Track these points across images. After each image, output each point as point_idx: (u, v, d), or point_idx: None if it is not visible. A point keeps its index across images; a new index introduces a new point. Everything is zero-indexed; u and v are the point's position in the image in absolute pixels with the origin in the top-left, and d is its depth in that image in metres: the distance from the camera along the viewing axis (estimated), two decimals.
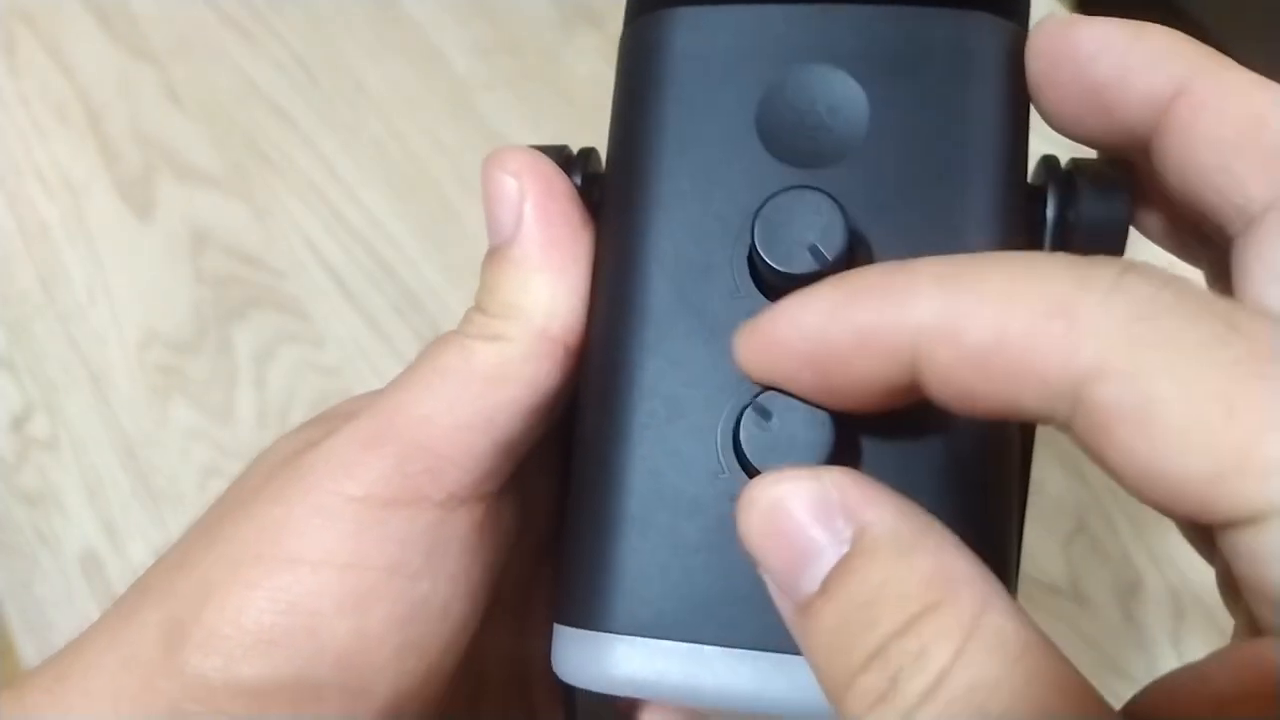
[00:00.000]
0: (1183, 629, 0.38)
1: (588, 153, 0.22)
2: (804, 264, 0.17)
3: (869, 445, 0.18)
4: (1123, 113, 0.18)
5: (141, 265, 0.48)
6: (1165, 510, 0.14)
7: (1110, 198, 0.19)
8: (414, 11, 0.51)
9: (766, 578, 0.16)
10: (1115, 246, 0.19)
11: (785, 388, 0.17)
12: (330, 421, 0.21)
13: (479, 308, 0.20)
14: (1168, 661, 0.38)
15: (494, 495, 0.20)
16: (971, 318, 0.14)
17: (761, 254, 0.17)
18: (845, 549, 0.15)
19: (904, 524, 0.15)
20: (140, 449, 0.45)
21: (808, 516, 0.15)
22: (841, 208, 0.17)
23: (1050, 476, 0.40)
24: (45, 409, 0.46)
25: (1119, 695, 0.40)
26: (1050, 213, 0.19)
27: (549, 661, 0.20)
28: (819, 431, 0.17)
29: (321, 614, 0.18)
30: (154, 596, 0.19)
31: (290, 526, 0.19)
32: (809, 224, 0.17)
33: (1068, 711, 0.13)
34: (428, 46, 0.51)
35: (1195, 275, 0.22)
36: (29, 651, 0.43)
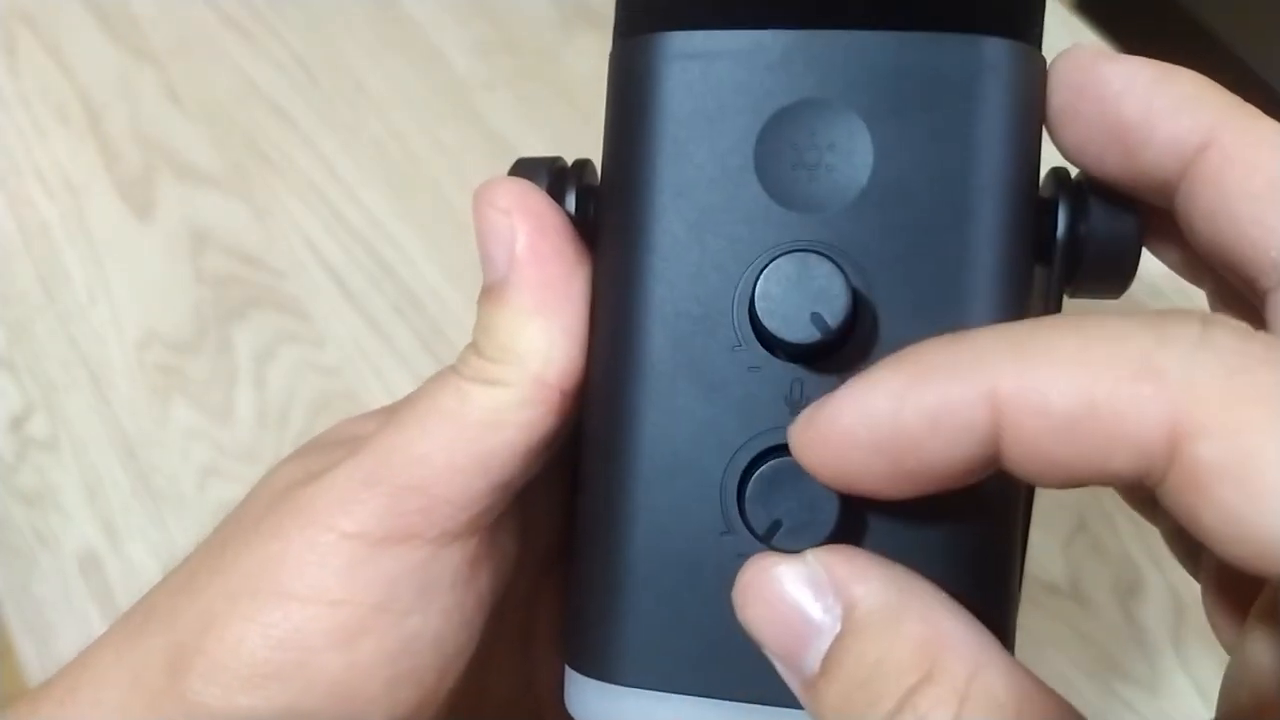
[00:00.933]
0: (1183, 629, 0.38)
1: (582, 164, 0.21)
2: (806, 333, 0.17)
3: (875, 505, 0.18)
4: (1145, 156, 0.17)
5: (141, 265, 0.48)
6: (1258, 570, 0.13)
7: (1122, 213, 0.19)
8: (414, 11, 0.51)
9: (772, 659, 0.16)
10: (1128, 262, 0.19)
11: (854, 483, 0.16)
12: (331, 451, 0.21)
13: (475, 348, 0.20)
14: (1168, 661, 0.37)
15: (489, 530, 0.21)
16: (1055, 384, 0.14)
17: (763, 322, 0.17)
18: (839, 627, 0.15)
19: (892, 593, 0.15)
20: (140, 449, 0.45)
21: (800, 599, 0.15)
22: (844, 271, 0.17)
23: None
24: (45, 409, 0.46)
25: (1119, 695, 0.41)
26: (1061, 228, 0.19)
27: (554, 675, 0.20)
28: (824, 494, 0.17)
29: (313, 649, 0.19)
30: (159, 619, 0.20)
31: (286, 562, 0.19)
32: (811, 291, 0.17)
33: None
34: (428, 46, 0.51)
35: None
36: (28, 652, 0.43)
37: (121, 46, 0.52)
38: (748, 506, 0.17)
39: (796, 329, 0.17)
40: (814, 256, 0.17)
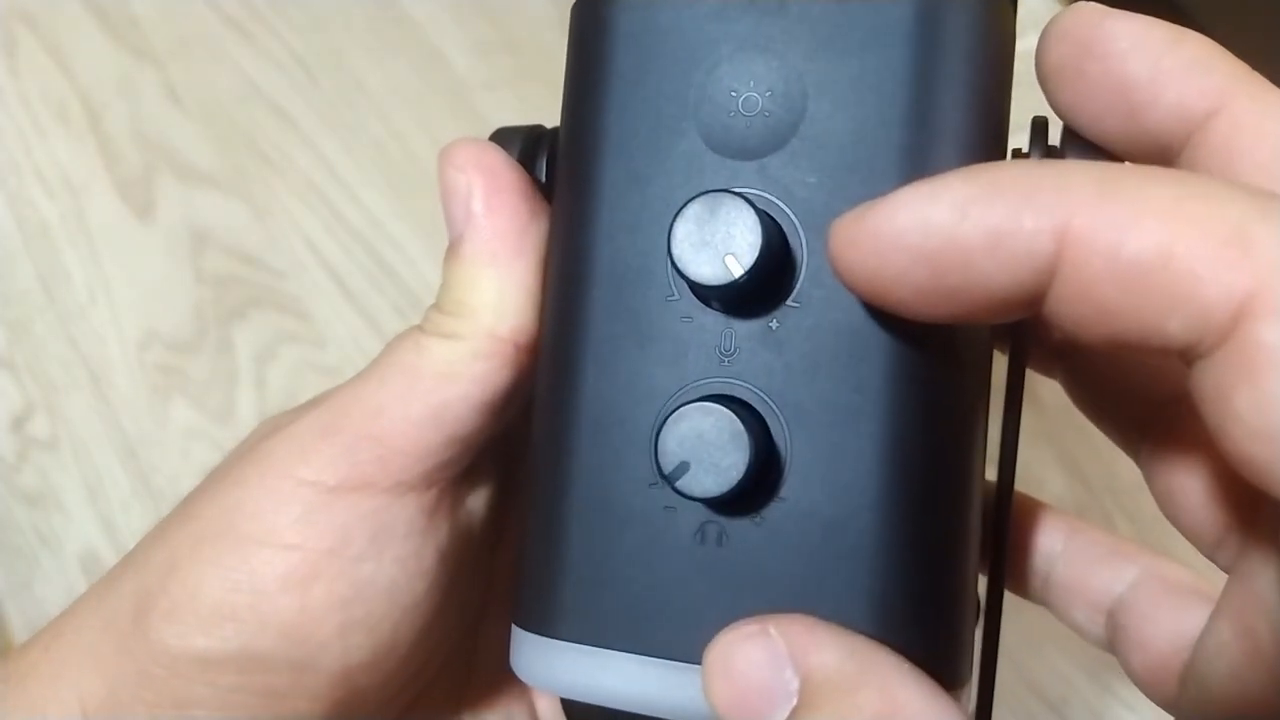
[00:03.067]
0: None
1: (557, 131, 0.21)
2: (719, 274, 0.17)
3: (797, 443, 0.17)
4: (1150, 118, 0.17)
5: (141, 265, 0.48)
6: (1264, 476, 0.13)
7: None
8: (414, 11, 0.51)
9: None
10: None
11: (885, 290, 0.15)
12: (305, 408, 0.22)
13: (436, 305, 0.21)
14: None
15: (450, 482, 0.21)
16: (1136, 229, 0.13)
17: (677, 265, 0.17)
18: (794, 701, 0.15)
19: (850, 663, 0.15)
20: (140, 449, 0.45)
21: (758, 671, 0.15)
22: (758, 210, 0.17)
23: (1050, 476, 0.40)
24: (45, 409, 0.46)
25: (1119, 695, 0.40)
26: None
27: None
28: (735, 440, 0.17)
29: (265, 591, 0.19)
30: (133, 568, 0.21)
31: (244, 508, 0.20)
32: (724, 231, 0.17)
33: None
34: (428, 46, 0.51)
35: None
36: None
37: (121, 46, 0.52)
38: (659, 446, 0.17)
39: (710, 270, 0.17)
40: (728, 197, 0.17)
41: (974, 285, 0.14)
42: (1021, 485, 0.21)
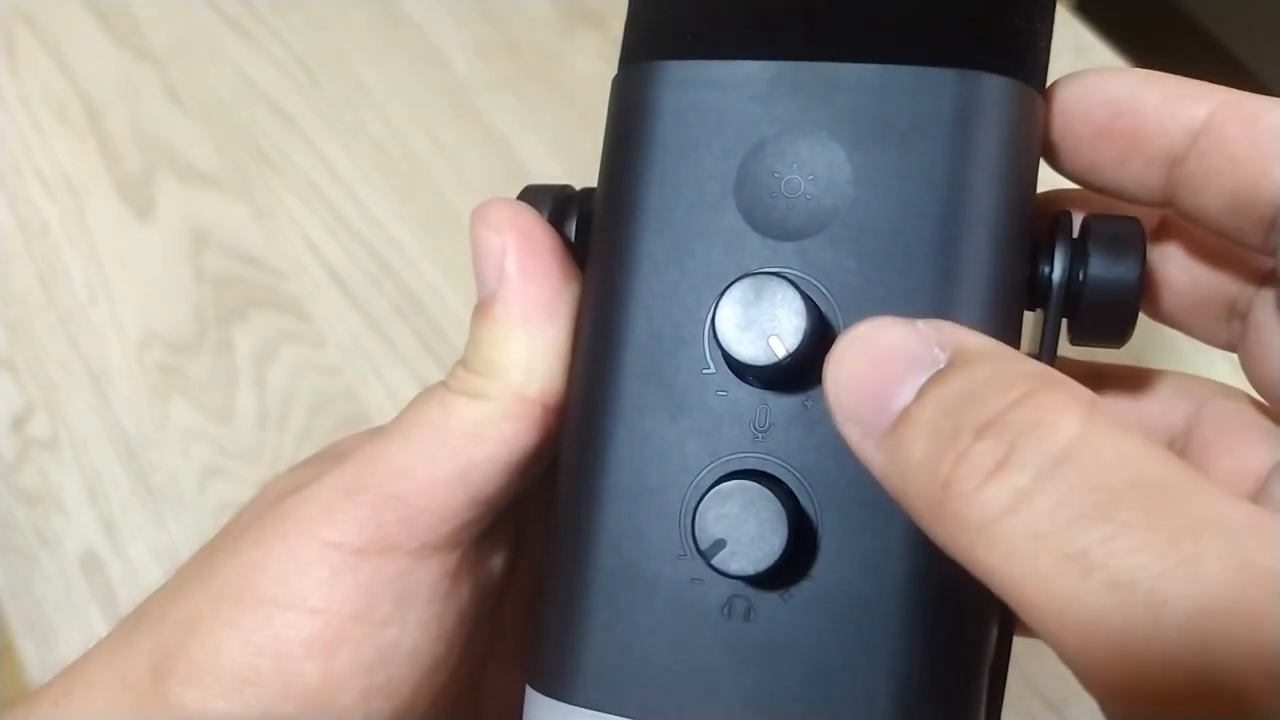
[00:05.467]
0: None
1: (589, 192, 0.21)
2: (765, 354, 0.17)
3: (827, 523, 0.18)
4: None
5: (141, 265, 0.48)
6: None
7: (1121, 261, 0.19)
8: (414, 11, 0.51)
9: (848, 427, 0.15)
10: (1125, 313, 0.19)
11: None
12: (324, 462, 0.21)
13: (463, 363, 0.20)
14: None
15: (472, 542, 0.21)
16: (1273, 111, 0.17)
17: (721, 343, 0.17)
18: (943, 363, 0.14)
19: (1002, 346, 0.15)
20: (140, 449, 0.45)
21: (903, 343, 0.15)
22: (803, 294, 0.17)
23: None
24: (45, 409, 0.46)
25: None
26: (1056, 274, 0.19)
27: None
28: (775, 520, 0.17)
29: (290, 656, 0.19)
30: (149, 623, 0.20)
31: (267, 570, 0.19)
32: (770, 313, 0.17)
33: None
34: (428, 46, 0.51)
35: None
36: (29, 651, 0.43)
37: (121, 46, 0.52)
38: (696, 520, 0.17)
39: (754, 350, 0.17)
40: (774, 279, 0.17)
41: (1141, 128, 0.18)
42: None
